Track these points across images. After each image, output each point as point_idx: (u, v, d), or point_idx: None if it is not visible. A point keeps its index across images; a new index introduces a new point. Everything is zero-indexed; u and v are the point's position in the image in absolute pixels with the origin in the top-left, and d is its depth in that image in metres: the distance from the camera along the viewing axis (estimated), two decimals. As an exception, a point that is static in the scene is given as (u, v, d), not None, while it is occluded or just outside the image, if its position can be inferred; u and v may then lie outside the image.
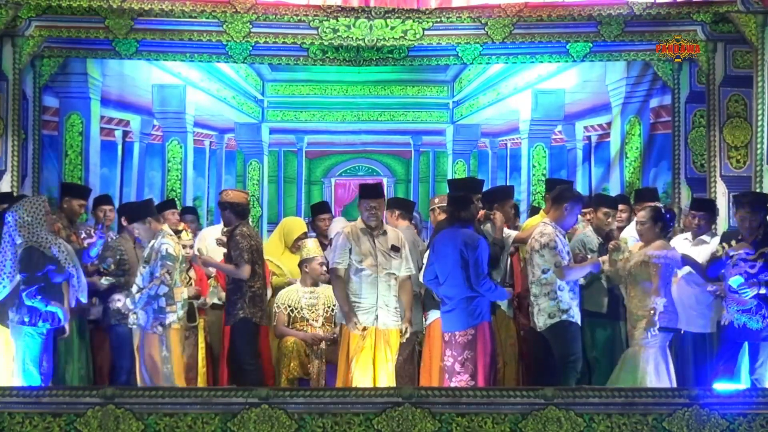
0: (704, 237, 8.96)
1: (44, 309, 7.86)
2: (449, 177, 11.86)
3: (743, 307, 8.18)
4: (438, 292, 8.25)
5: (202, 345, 9.28)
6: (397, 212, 9.13)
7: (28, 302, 7.83)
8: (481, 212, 8.69)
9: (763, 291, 8.07)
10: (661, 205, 8.91)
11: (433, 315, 8.58)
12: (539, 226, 8.39)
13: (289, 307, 9.24)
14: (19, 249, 7.90)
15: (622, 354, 8.47)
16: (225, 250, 8.98)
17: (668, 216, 8.34)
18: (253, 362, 8.78)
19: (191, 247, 9.09)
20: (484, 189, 9.33)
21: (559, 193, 8.42)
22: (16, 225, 7.93)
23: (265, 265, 9.12)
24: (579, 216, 8.79)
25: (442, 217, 8.91)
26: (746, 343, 8.21)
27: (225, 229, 8.96)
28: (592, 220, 8.97)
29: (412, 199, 11.22)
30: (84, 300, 8.25)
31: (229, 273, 8.78)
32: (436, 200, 9.38)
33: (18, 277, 7.92)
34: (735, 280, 8.17)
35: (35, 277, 7.85)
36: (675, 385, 8.09)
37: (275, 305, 9.28)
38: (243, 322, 8.71)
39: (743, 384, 8.14)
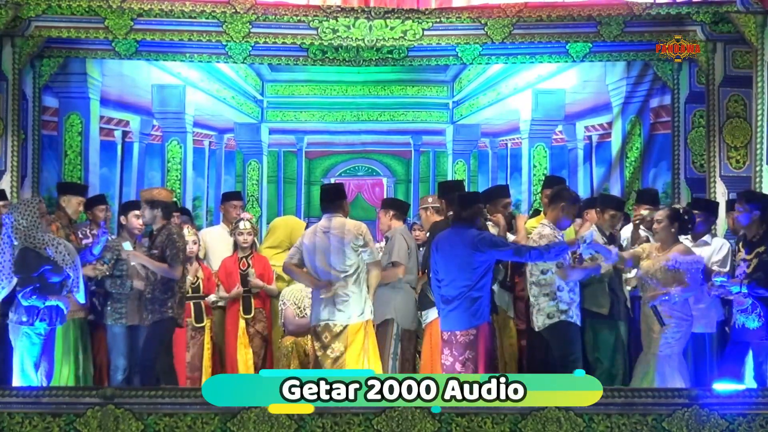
0: (705, 238, 8.94)
1: (43, 306, 7.85)
2: (449, 177, 11.83)
3: (741, 307, 8.17)
4: (438, 293, 8.13)
5: (208, 345, 9.32)
6: (391, 212, 9.06)
7: (24, 303, 7.83)
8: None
9: (744, 290, 8.05)
10: (679, 206, 8.84)
11: (432, 314, 8.56)
12: (538, 228, 8.37)
13: (294, 304, 9.23)
14: (15, 251, 7.91)
15: (621, 355, 8.46)
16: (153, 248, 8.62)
17: (688, 217, 8.20)
18: (171, 361, 8.67)
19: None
20: (483, 189, 9.29)
21: (556, 193, 8.40)
22: (12, 228, 7.93)
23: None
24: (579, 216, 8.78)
25: (435, 217, 8.90)
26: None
27: (154, 229, 8.61)
28: (598, 221, 8.93)
29: (411, 200, 11.21)
30: (82, 301, 8.25)
31: (161, 272, 8.37)
32: (430, 199, 9.31)
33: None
34: (718, 279, 8.20)
35: (29, 278, 7.83)
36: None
37: (281, 301, 9.26)
38: (170, 321, 8.44)
39: (747, 385, 8.11)
